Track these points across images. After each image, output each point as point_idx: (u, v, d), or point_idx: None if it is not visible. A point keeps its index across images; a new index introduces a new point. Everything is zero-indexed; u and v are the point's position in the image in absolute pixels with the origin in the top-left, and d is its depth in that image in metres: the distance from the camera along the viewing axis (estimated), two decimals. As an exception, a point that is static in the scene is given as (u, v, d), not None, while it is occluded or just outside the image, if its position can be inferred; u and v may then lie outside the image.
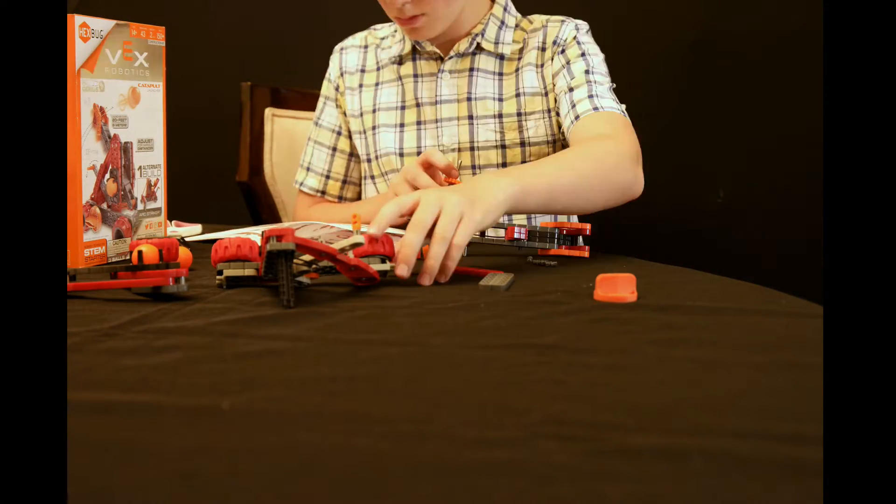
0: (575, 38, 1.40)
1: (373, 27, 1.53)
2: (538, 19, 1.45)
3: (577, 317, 0.76)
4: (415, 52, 1.43)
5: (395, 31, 1.47)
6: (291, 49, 2.20)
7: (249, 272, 0.87)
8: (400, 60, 1.44)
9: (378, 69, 1.47)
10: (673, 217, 2.06)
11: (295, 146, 1.75)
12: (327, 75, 1.52)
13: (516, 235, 1.04)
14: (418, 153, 1.40)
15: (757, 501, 0.40)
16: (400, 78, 1.44)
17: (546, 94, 1.40)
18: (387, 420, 0.50)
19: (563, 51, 1.39)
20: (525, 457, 0.45)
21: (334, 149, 1.50)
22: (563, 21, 1.42)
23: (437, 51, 1.41)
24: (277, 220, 1.73)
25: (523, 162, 1.38)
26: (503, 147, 1.39)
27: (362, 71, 1.48)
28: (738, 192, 2.05)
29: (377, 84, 1.46)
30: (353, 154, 1.50)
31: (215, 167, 2.13)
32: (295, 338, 0.68)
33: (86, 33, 0.96)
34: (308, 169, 1.52)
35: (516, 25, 1.44)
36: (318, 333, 0.70)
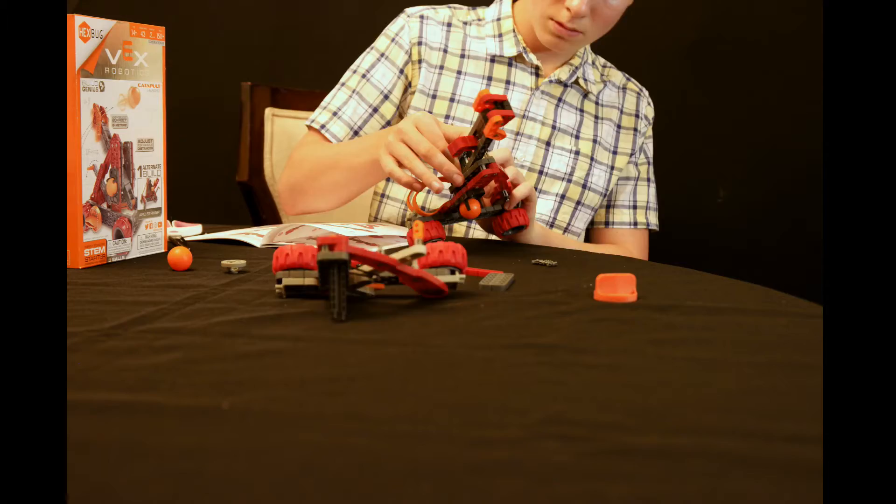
0: (652, 121, 1.51)
1: (453, 5, 1.46)
2: (615, 73, 1.51)
3: (577, 317, 0.76)
4: (511, 59, 1.40)
5: (481, 19, 1.43)
6: (291, 49, 2.20)
7: (310, 282, 0.82)
8: (492, 59, 1.40)
9: (462, 56, 1.40)
10: (673, 217, 2.06)
11: (295, 146, 1.75)
12: (392, 34, 1.42)
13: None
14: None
15: (757, 501, 0.40)
16: (490, 77, 1.39)
17: (615, 153, 1.45)
18: (387, 420, 0.50)
19: (648, 130, 1.50)
20: (525, 457, 0.45)
21: (375, 110, 1.39)
22: (639, 92, 1.50)
23: (539, 64, 1.39)
24: (278, 220, 1.73)
25: (578, 202, 1.43)
26: (569, 181, 1.40)
27: (445, 51, 1.40)
28: (738, 192, 2.05)
29: (459, 73, 1.40)
30: (390, 123, 1.41)
31: (215, 167, 2.13)
32: (295, 338, 0.68)
33: (86, 33, 0.95)
34: (336, 114, 1.39)
35: (592, 62, 1.48)
36: (318, 333, 0.70)
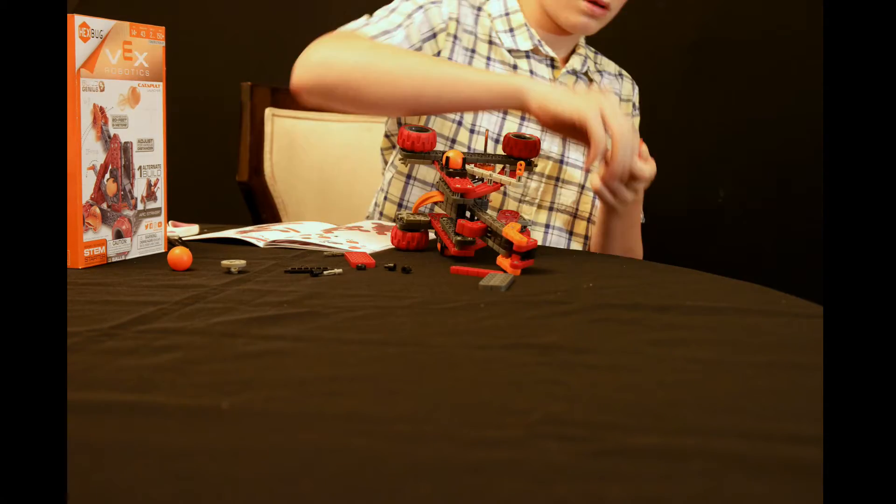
0: (636, 107, 1.52)
1: None
2: (606, 62, 1.51)
3: (577, 317, 0.76)
4: (528, 52, 1.40)
5: (507, 13, 1.41)
6: (291, 49, 2.20)
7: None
8: (510, 51, 1.39)
9: (490, 43, 1.39)
10: (673, 217, 2.06)
11: (295, 146, 1.75)
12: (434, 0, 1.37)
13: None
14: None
15: (757, 502, 0.40)
16: (515, 66, 1.39)
17: None
18: (387, 420, 0.50)
19: (633, 117, 1.51)
20: (525, 457, 0.45)
21: (419, 49, 1.33)
22: (632, 80, 1.53)
23: (555, 55, 1.40)
24: (278, 219, 1.73)
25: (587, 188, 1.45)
26: (587, 172, 1.41)
27: (475, 36, 1.39)
28: (738, 192, 2.05)
29: (489, 59, 1.39)
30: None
31: (215, 167, 2.13)
32: (295, 338, 0.68)
33: (86, 33, 0.96)
34: (387, 33, 1.30)
35: (586, 56, 1.49)
36: (318, 333, 0.70)
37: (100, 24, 0.97)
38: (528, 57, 1.40)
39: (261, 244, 1.14)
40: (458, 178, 1.05)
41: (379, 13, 1.37)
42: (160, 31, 1.06)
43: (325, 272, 0.94)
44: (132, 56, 1.01)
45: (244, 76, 1.77)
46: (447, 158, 1.07)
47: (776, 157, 2.01)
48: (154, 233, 1.07)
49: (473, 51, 1.38)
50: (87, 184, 0.97)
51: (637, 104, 1.52)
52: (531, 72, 1.40)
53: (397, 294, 0.84)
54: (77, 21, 0.94)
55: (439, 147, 1.35)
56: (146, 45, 1.04)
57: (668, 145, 2.05)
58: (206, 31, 2.23)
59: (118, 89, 1.00)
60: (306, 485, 0.41)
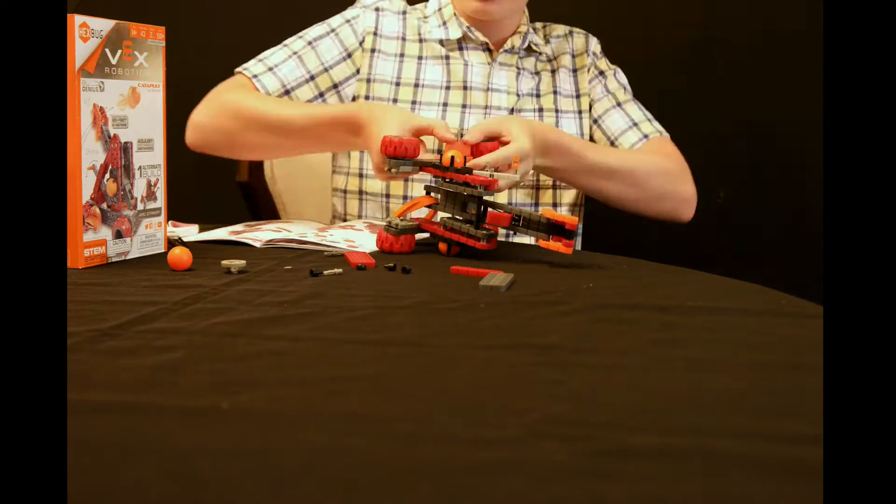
0: (602, 51, 1.55)
1: (408, 6, 1.49)
2: (555, 26, 1.54)
3: (577, 317, 0.76)
4: (460, 42, 1.44)
5: (426, 17, 1.46)
6: (291, 49, 2.20)
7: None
8: (442, 44, 1.43)
9: (421, 41, 1.43)
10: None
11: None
12: (349, 17, 1.44)
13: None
14: (459, 135, 1.39)
15: (757, 501, 0.40)
16: (447, 58, 1.43)
17: (578, 97, 1.49)
18: (387, 420, 0.50)
19: (596, 62, 1.53)
20: (525, 457, 0.45)
21: (312, 77, 1.40)
22: (586, 34, 1.54)
23: (488, 41, 1.43)
24: (277, 220, 1.73)
25: None
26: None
27: (403, 39, 1.43)
28: (738, 192, 2.05)
29: (421, 58, 1.43)
30: (323, 96, 1.40)
31: (215, 167, 2.13)
32: (295, 338, 0.68)
33: (86, 33, 0.95)
34: (271, 70, 1.39)
35: (534, 30, 1.52)
36: (318, 333, 0.70)
37: (100, 24, 0.97)
38: (461, 48, 1.44)
39: (257, 244, 1.14)
40: (467, 174, 1.08)
41: (288, 42, 1.45)
42: (160, 31, 1.06)
43: (324, 272, 0.94)
44: (132, 56, 1.01)
45: (244, 76, 1.76)
46: (452, 158, 1.09)
47: (776, 157, 2.01)
48: (154, 233, 1.07)
49: (402, 55, 1.43)
50: (87, 184, 0.97)
51: (598, 52, 1.53)
52: (465, 62, 1.43)
53: (397, 294, 0.84)
54: (77, 21, 0.94)
55: None
56: (146, 45, 1.04)
57: (668, 145, 2.04)
58: (206, 31, 2.23)
59: (118, 89, 1.00)
60: (306, 485, 0.41)
